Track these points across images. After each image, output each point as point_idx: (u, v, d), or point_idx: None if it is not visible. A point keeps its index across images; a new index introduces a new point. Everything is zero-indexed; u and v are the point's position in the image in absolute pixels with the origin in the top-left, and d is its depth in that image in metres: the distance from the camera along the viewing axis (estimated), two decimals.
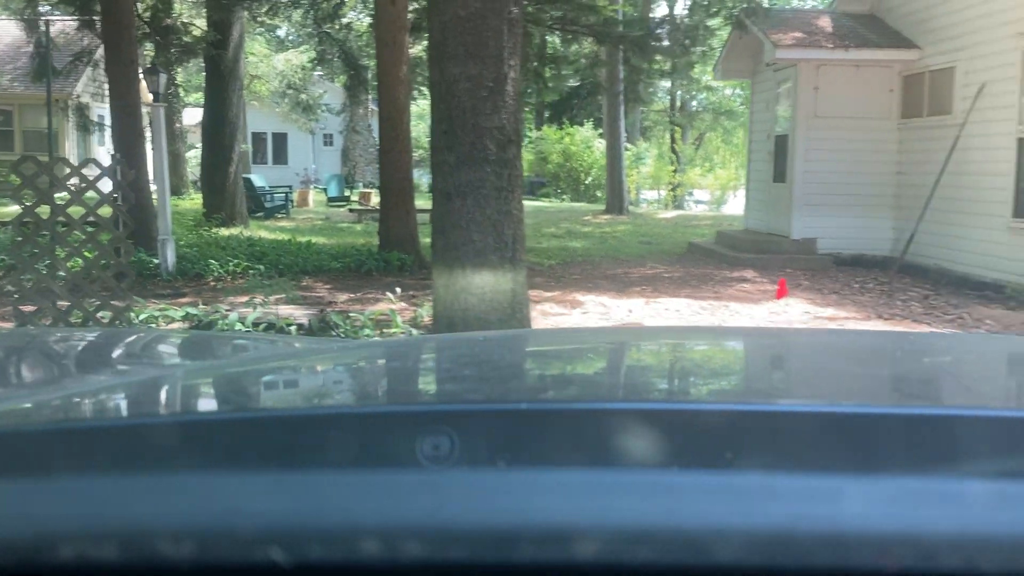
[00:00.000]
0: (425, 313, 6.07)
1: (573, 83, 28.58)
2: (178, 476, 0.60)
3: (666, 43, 11.66)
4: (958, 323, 7.42)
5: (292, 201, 20.46)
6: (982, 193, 9.54)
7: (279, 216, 18.49)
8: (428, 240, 5.35)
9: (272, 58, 28.47)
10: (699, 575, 0.53)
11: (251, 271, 9.13)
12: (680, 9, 26.33)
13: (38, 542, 0.58)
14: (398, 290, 7.42)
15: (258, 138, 31.61)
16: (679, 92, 34.12)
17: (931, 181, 10.19)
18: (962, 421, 0.62)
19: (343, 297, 8.07)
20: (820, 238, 11.38)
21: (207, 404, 0.81)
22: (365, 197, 21.90)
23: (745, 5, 10.66)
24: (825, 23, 12.01)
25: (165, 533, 0.57)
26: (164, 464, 0.62)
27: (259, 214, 17.38)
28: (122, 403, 0.83)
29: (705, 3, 11.65)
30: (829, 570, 0.52)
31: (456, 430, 0.60)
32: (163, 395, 0.86)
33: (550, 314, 7.55)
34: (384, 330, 5.97)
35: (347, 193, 23.30)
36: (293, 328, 5.84)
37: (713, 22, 12.41)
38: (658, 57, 11.50)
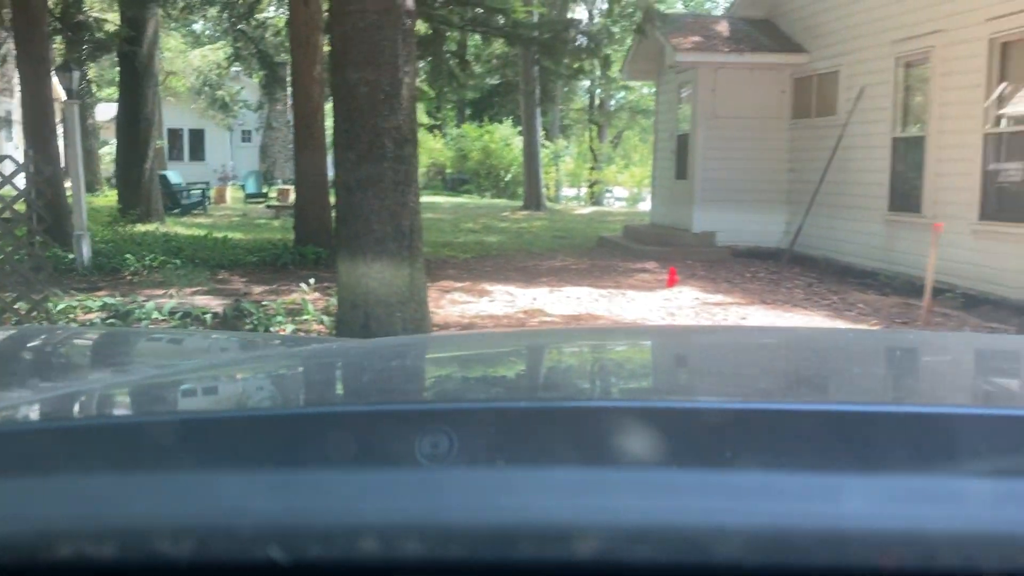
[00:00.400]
0: (337, 302, 6.43)
1: (492, 81, 29.06)
2: (178, 475, 0.61)
3: (574, 45, 12.19)
4: (832, 307, 8.12)
5: (209, 198, 20.45)
6: (862, 188, 10.33)
7: (196, 213, 18.50)
8: None
9: (188, 54, 28.22)
10: (696, 573, 0.54)
11: (168, 265, 9.34)
12: (591, 13, 27.02)
13: (38, 541, 0.59)
14: (312, 281, 7.76)
15: (174, 134, 31.24)
16: (598, 91, 34.88)
17: (819, 178, 10.96)
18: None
19: (259, 289, 8.38)
20: (719, 231, 12.07)
21: (206, 403, 0.81)
22: (284, 194, 21.96)
23: (643, 12, 11.24)
24: (723, 28, 12.72)
25: (164, 532, 0.57)
26: (164, 463, 0.63)
27: (175, 211, 17.39)
28: (121, 402, 0.83)
29: (609, 10, 12.22)
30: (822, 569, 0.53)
31: (454, 429, 0.61)
32: (162, 394, 0.86)
33: (458, 302, 8.00)
34: (296, 318, 6.33)
35: (265, 190, 23.33)
36: (208, 316, 6.15)
37: (616, 28, 13.02)
38: (566, 59, 12.03)
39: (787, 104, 12.10)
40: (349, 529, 0.56)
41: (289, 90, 19.21)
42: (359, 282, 4.54)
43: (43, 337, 1.57)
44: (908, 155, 9.62)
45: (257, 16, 15.66)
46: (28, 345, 1.42)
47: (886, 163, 9.91)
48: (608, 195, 30.91)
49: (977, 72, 8.38)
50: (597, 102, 35.69)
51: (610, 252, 12.71)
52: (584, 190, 30.71)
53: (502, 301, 8.17)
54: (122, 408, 0.82)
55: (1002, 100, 8.22)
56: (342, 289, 4.81)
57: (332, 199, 10.98)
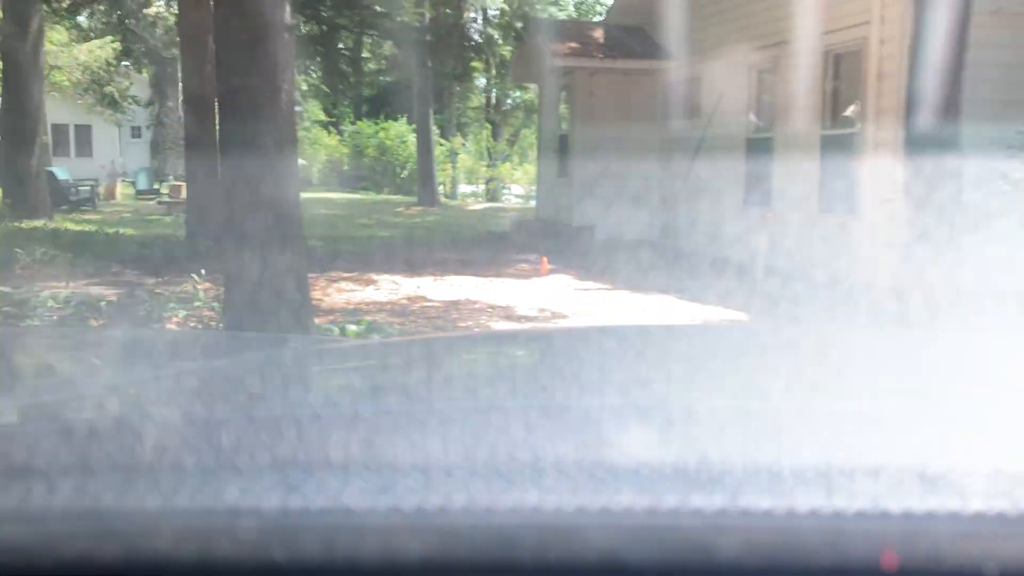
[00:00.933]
0: (224, 288, 6.91)
1: (387, 78, 29.41)
2: (178, 475, 0.61)
3: (461, 48, 12.84)
4: (688, 292, 9.03)
5: (99, 194, 20.32)
6: (721, 185, 11.32)
7: (85, 209, 18.41)
8: None
9: (75, 48, 27.68)
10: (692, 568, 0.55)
11: (59, 259, 9.58)
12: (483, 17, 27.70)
13: (38, 542, 0.59)
14: (203, 272, 8.20)
15: (59, 130, 30.53)
16: (493, 90, 35.65)
17: (685, 175, 11.92)
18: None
19: (152, 280, 8.75)
20: (597, 225, 12.93)
21: (207, 404, 0.81)
22: (176, 190, 21.92)
23: (521, 21, 12.00)
24: (599, 35, 13.59)
25: (165, 532, 0.58)
26: (164, 463, 0.63)
27: (63, 207, 17.30)
28: (122, 402, 0.84)
29: (489, 16, 12.95)
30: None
31: (455, 428, 0.61)
32: (163, 394, 0.87)
33: (344, 290, 8.57)
34: (188, 304, 6.79)
35: (157, 186, 23.23)
36: (103, 304, 6.56)
37: (496, 33, 13.75)
38: (452, 61, 12.68)
39: (658, 107, 13.05)
40: (349, 529, 0.57)
41: (180, 86, 19.24)
42: (245, 269, 5.11)
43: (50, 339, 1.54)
44: (760, 155, 10.63)
45: (147, 11, 15.77)
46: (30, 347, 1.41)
47: (741, 162, 10.91)
48: (506, 191, 31.71)
49: (815, 80, 9.42)
50: (493, 101, 36.51)
51: (496, 245, 13.43)
52: (482, 187, 31.43)
53: (387, 289, 8.77)
54: (122, 408, 0.80)
55: (835, 105, 9.27)
56: (229, 278, 5.36)
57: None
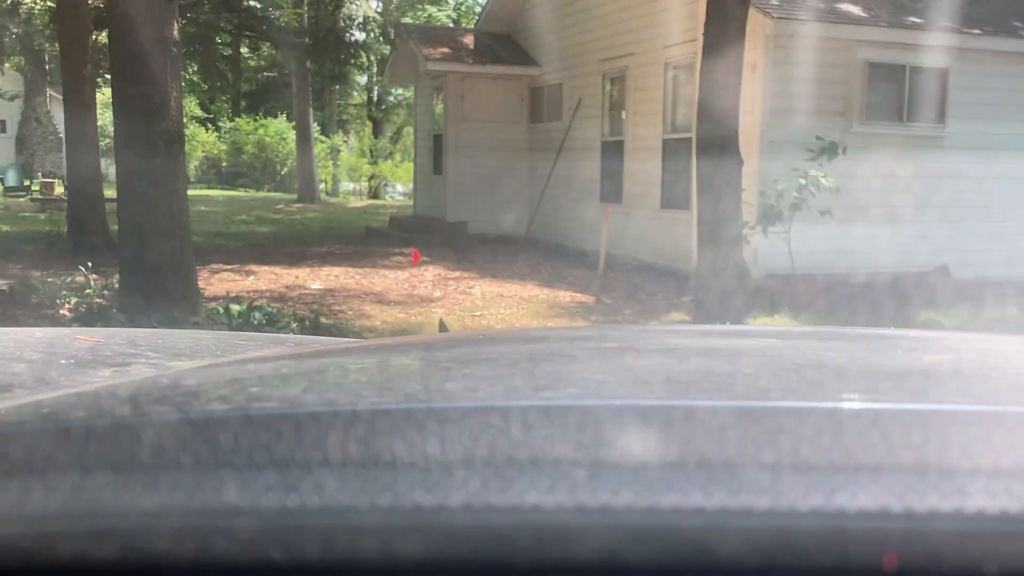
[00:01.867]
0: (116, 281, 7.53)
1: (268, 75, 29.68)
2: (178, 475, 0.62)
3: (337, 50, 13.60)
4: (545, 280, 10.12)
5: None
6: (580, 183, 12.49)
7: None
8: (116, 227, 6.80)
9: None
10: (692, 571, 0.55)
11: None
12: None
13: (38, 542, 0.60)
14: (90, 264, 8.75)
15: None
16: (375, 88, 36.19)
17: (548, 175, 13.04)
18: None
19: (38, 273, 9.23)
20: (470, 221, 13.92)
21: (207, 403, 0.80)
22: (48, 187, 21.80)
23: (393, 28, 12.89)
24: (470, 40, 14.59)
25: (165, 532, 0.58)
26: (164, 463, 0.63)
27: None
28: (122, 401, 0.84)
29: (365, 20, 13.78)
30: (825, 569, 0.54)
31: (457, 428, 0.62)
32: (163, 393, 0.87)
33: (227, 280, 9.28)
34: (80, 292, 7.40)
35: (28, 183, 22.98)
36: None
37: (368, 37, 14.58)
38: (328, 63, 13.42)
39: (525, 110, 14.14)
40: (346, 529, 0.57)
41: (48, 79, 19.22)
42: (138, 257, 5.86)
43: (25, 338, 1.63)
44: (613, 156, 11.83)
45: (18, 9, 15.86)
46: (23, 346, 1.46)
47: (597, 163, 12.10)
48: (388, 189, 32.34)
49: (657, 89, 10.65)
50: (375, 98, 37.04)
51: (375, 239, 14.26)
52: (364, 184, 31.98)
53: (267, 279, 9.52)
54: (122, 408, 0.80)
55: (674, 112, 10.53)
56: (123, 265, 6.10)
57: (106, 191, 11.80)
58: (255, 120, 30.35)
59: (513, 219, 13.96)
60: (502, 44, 14.41)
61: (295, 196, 23.90)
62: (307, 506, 0.58)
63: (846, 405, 0.68)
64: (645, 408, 0.67)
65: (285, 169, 29.27)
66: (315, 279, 9.58)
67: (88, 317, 6.40)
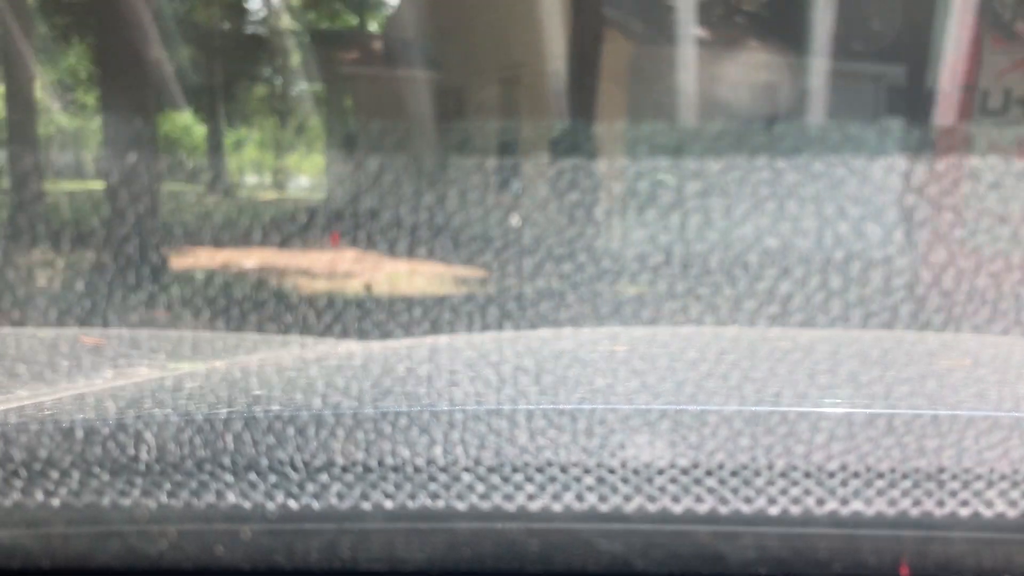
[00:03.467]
0: None
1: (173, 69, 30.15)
2: (180, 477, 0.62)
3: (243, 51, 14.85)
4: (448, 260, 11.84)
5: None
6: (481, 178, 14.20)
7: None
8: None
9: None
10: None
11: None
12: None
13: (39, 543, 0.61)
14: None
15: None
16: (282, 81, 36.71)
17: None
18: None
19: None
20: (382, 211, 15.48)
21: (209, 405, 0.79)
22: None
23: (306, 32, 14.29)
24: (378, 44, 16.04)
25: (167, 535, 0.59)
26: (166, 465, 0.64)
27: None
28: (124, 403, 0.84)
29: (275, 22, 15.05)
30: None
31: (458, 431, 0.62)
32: (166, 395, 0.87)
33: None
34: None
35: None
36: None
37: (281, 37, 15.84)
38: (237, 63, 14.67)
39: (430, 110, 15.73)
40: (351, 532, 0.58)
41: None
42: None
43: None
44: (509, 153, 13.56)
45: None
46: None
47: (495, 159, 13.80)
48: (294, 181, 32.96)
49: (543, 93, 12.42)
50: (279, 92, 37.54)
51: (291, 227, 15.67)
52: (269, 177, 32.66)
53: (205, 260, 10.96)
54: (124, 409, 0.78)
55: (559, 116, 12.36)
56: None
57: None
58: (161, 113, 30.79)
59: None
60: (408, 48, 15.93)
61: (203, 188, 24.72)
62: (310, 510, 0.59)
63: (861, 410, 0.65)
64: (655, 413, 0.65)
65: (192, 162, 29.91)
66: (248, 259, 11.06)
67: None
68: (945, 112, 6.47)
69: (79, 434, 0.67)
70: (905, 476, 0.57)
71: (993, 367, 1.01)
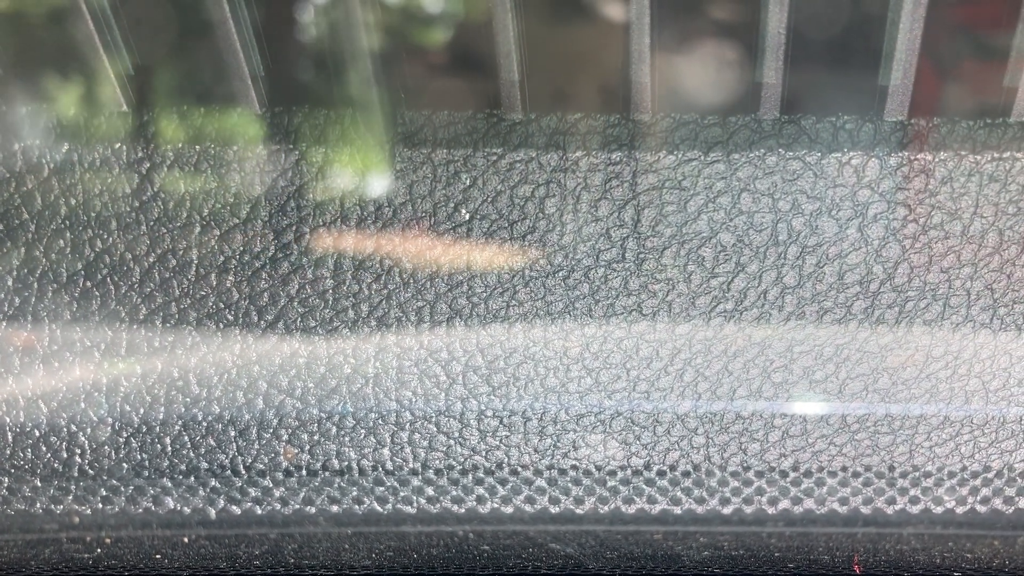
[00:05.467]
0: None
1: None
2: (113, 480, 0.61)
3: None
4: None
5: None
6: None
7: None
8: None
9: None
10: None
11: None
12: None
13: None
14: None
15: None
16: None
17: None
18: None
19: None
20: None
21: (146, 407, 0.75)
22: None
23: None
24: None
25: (103, 542, 0.59)
26: (101, 470, 0.62)
27: None
28: (56, 405, 0.78)
29: None
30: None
31: (406, 432, 0.61)
32: (101, 397, 0.80)
33: None
34: None
35: None
36: None
37: None
38: None
39: None
40: (297, 539, 0.58)
41: None
42: None
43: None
44: None
45: None
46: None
47: None
48: None
49: None
50: None
51: None
52: None
53: None
54: (57, 412, 0.74)
55: None
56: None
57: None
58: None
59: None
60: None
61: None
62: (253, 515, 0.58)
63: (814, 409, 0.64)
64: (608, 412, 0.63)
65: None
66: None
67: None
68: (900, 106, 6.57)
69: (8, 438, 0.66)
70: (856, 475, 0.58)
71: (944, 362, 1.01)
